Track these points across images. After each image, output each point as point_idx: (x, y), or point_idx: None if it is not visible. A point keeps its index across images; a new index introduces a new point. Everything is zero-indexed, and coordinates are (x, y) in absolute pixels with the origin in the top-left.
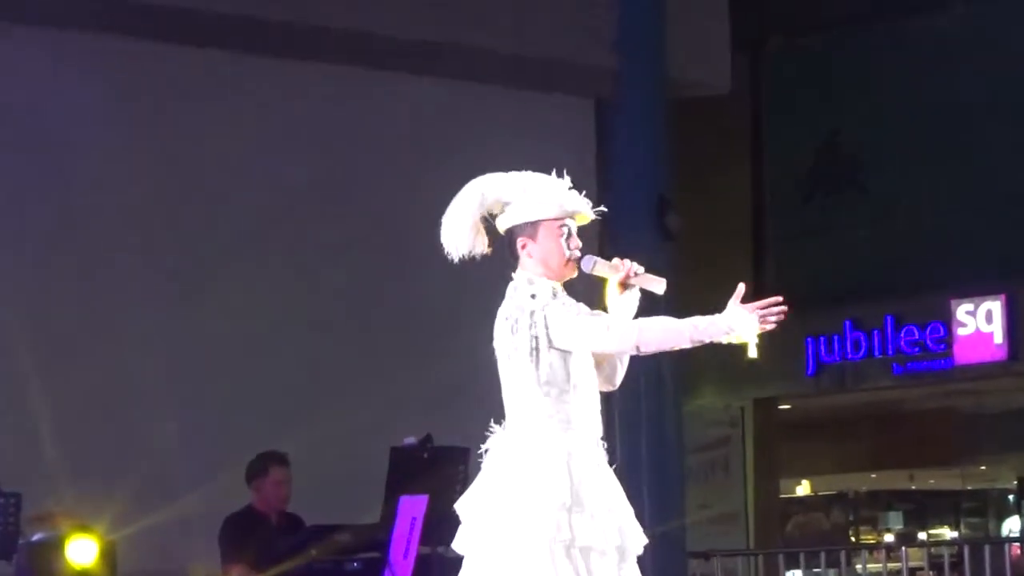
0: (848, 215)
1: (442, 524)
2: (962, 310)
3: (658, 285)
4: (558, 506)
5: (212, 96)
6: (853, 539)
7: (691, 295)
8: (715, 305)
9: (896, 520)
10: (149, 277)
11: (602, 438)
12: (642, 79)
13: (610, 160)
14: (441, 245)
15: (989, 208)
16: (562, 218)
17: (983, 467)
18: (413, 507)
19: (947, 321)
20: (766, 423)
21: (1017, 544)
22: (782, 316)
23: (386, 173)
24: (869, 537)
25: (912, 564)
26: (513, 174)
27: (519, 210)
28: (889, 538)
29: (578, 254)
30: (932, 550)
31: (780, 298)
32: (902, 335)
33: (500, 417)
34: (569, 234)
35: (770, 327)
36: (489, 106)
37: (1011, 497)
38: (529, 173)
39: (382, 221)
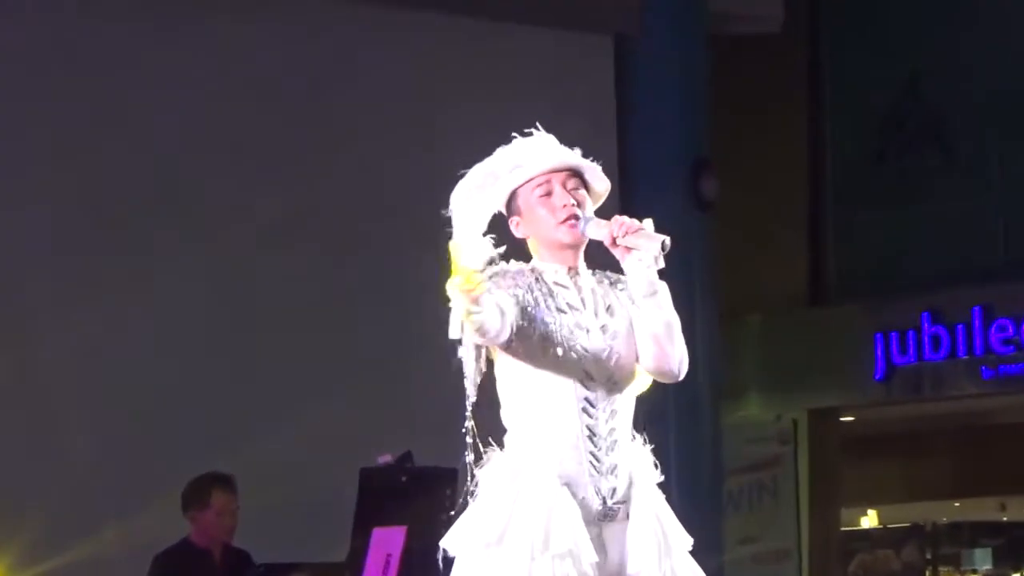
0: (928, 181)
1: (424, 562)
2: None
3: (653, 245)
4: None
5: None
6: None
7: (732, 275)
8: (761, 287)
9: (984, 559)
10: (63, 267)
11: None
12: (674, 10)
13: (633, 111)
14: (430, 225)
15: None
16: (535, 176)
17: None
18: (388, 541)
19: None
20: (824, 439)
21: None
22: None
23: (392, 124)
24: None
25: None
26: (478, 165)
27: (496, 191)
28: None
29: (572, 211)
30: None
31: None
32: (993, 331)
33: (489, 432)
34: (550, 192)
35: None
36: (487, 43)
37: None
38: (512, 144)
39: (374, 189)
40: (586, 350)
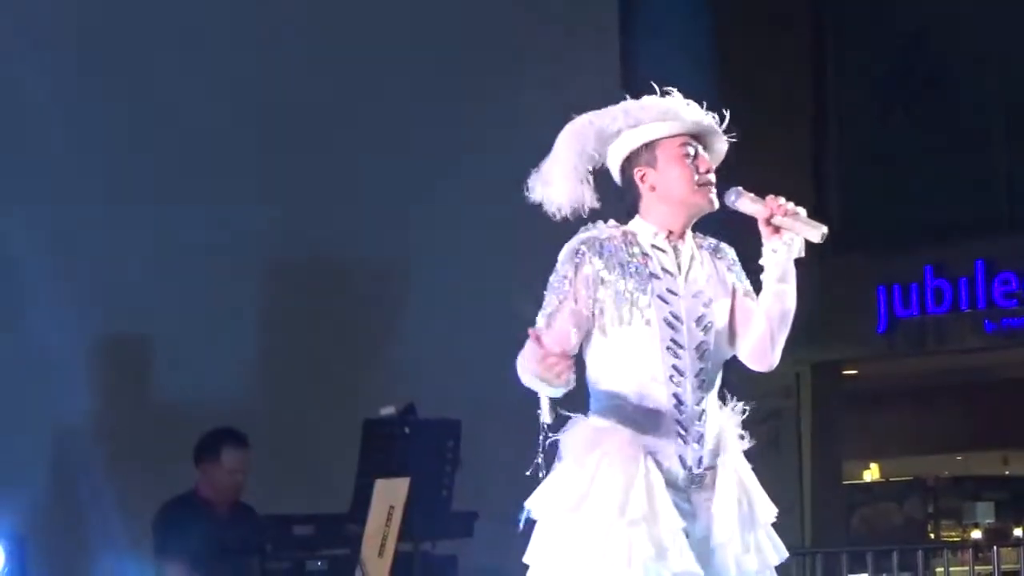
0: (934, 134)
1: (427, 514)
2: None
3: (814, 232)
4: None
5: None
6: (932, 536)
7: (733, 231)
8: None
9: (986, 513)
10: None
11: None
12: None
13: (635, 69)
14: (441, 168)
15: None
16: (683, 134)
17: None
18: (391, 493)
19: None
20: (827, 393)
21: None
22: (563, 371)
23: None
24: (952, 534)
25: (1006, 567)
26: (625, 103)
27: (630, 135)
28: (977, 535)
29: (711, 179)
30: None
31: (568, 357)
32: (996, 284)
33: (494, 384)
34: (696, 155)
35: (555, 379)
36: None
37: None
38: (648, 98)
39: (374, 137)
40: (676, 317)
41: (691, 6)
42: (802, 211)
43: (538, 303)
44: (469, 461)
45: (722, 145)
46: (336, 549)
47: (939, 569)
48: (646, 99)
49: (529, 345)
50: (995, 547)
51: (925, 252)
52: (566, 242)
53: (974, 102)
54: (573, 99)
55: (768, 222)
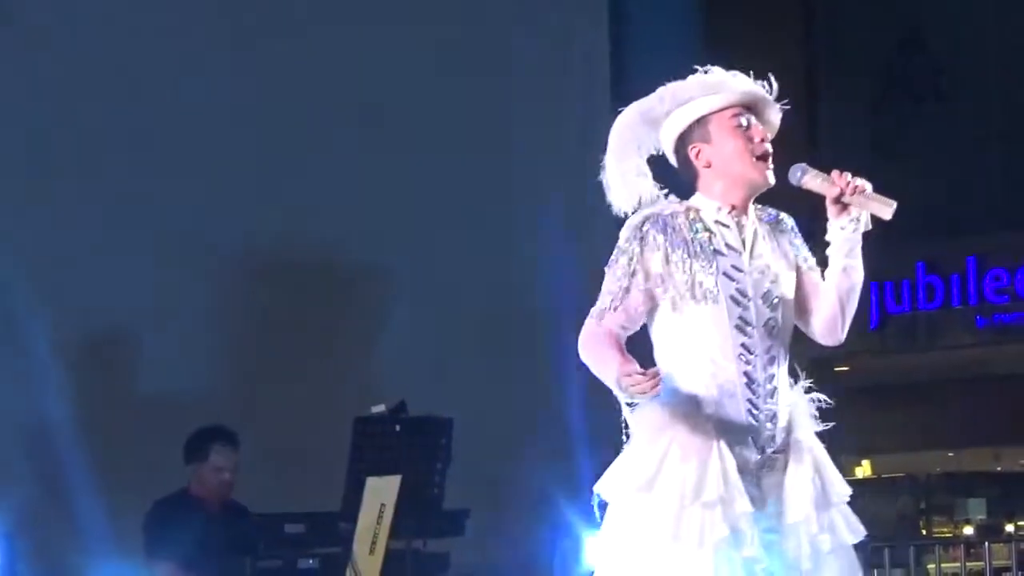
0: (926, 130)
1: (419, 512)
2: None
3: (885, 209)
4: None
5: None
6: (924, 532)
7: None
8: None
9: (978, 509)
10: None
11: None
12: None
13: (627, 63)
14: (427, 149)
15: None
16: (735, 105)
17: None
18: (382, 491)
19: None
20: (820, 388)
21: None
22: (653, 391)
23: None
24: (944, 530)
25: (997, 563)
26: (668, 84)
27: (680, 113)
28: (969, 531)
29: (768, 149)
30: (1022, 546)
31: (658, 372)
32: (987, 280)
33: (486, 382)
34: (749, 124)
35: (641, 398)
36: None
37: None
38: (690, 77)
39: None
40: (743, 294)
41: (682, 15)
42: (869, 185)
43: (522, 304)
44: (460, 459)
45: (775, 115)
46: (328, 547)
47: (931, 565)
48: (691, 78)
49: (605, 346)
50: (987, 543)
51: (917, 248)
52: (551, 241)
53: (968, 99)
54: (562, 106)
55: (837, 200)
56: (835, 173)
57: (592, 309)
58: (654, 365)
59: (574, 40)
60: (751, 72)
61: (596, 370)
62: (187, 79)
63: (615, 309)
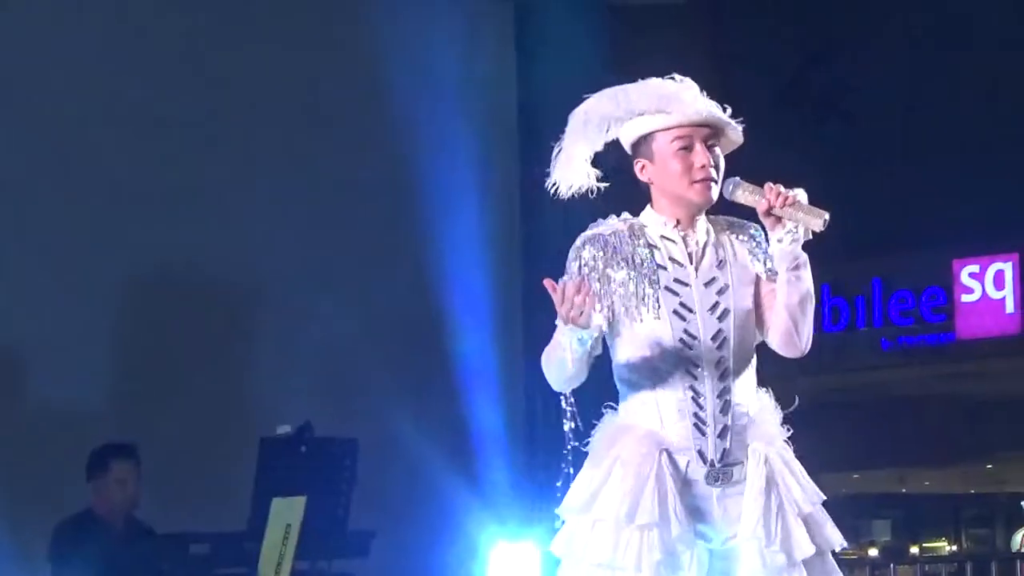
0: (830, 152)
1: (324, 533)
2: (966, 272)
3: (815, 221)
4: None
5: None
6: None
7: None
8: None
9: (883, 531)
10: None
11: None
12: None
13: (534, 78)
14: (331, 175)
15: (1000, 151)
16: (677, 126)
17: (989, 466)
18: (288, 511)
19: (948, 286)
20: None
21: None
22: (584, 298)
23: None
24: (850, 552)
25: None
26: (630, 85)
27: (629, 125)
28: (874, 552)
29: (708, 174)
30: (927, 567)
31: (587, 285)
32: (893, 303)
33: (393, 402)
34: (689, 147)
35: (580, 318)
36: (388, 9)
37: (1023, 504)
38: (651, 81)
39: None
40: (686, 307)
41: (591, 24)
42: (803, 195)
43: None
44: (366, 480)
45: (734, 133)
46: (233, 568)
47: None
48: (650, 84)
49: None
50: (892, 565)
51: (822, 270)
52: (457, 260)
53: (871, 121)
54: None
55: (768, 213)
56: (767, 186)
57: None
58: (615, 385)
59: (480, 52)
60: None
61: (554, 358)
62: (81, 100)
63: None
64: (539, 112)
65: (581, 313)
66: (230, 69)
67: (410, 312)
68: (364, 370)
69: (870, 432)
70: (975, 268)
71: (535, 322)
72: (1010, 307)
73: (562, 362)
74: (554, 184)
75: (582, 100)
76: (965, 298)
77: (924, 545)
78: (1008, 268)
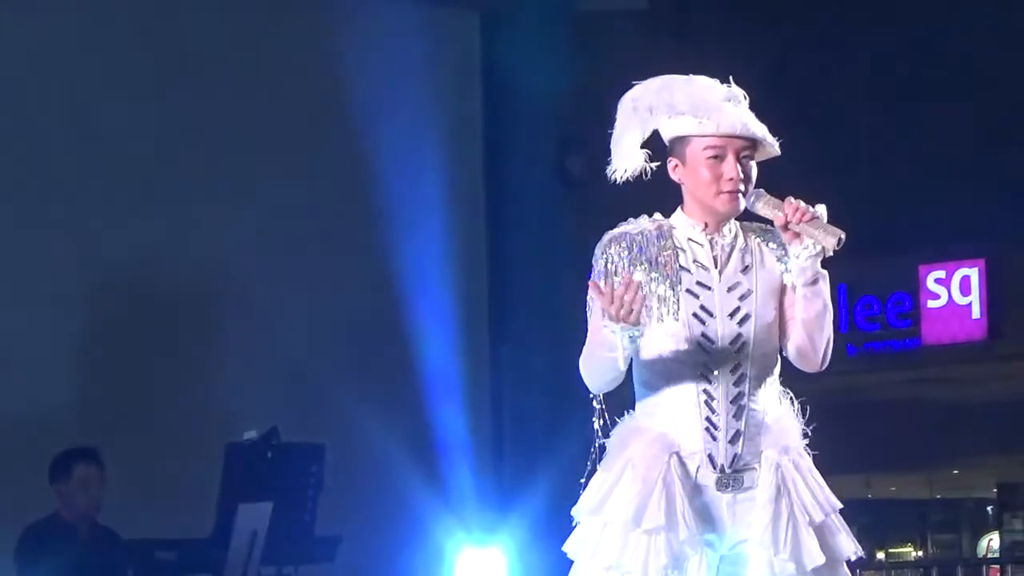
0: (795, 156)
1: (290, 538)
2: (932, 278)
3: (829, 239)
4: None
5: None
6: None
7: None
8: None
9: None
10: None
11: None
12: None
13: (499, 89)
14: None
15: (966, 156)
16: (712, 135)
17: (956, 472)
18: (254, 517)
19: (914, 291)
20: None
21: (996, 567)
22: (632, 300)
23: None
24: None
25: None
26: (678, 79)
27: (667, 123)
28: None
29: (735, 187)
30: (893, 573)
31: (636, 283)
32: (859, 309)
33: (359, 407)
34: (721, 156)
35: (629, 316)
36: (356, 20)
37: (990, 509)
38: (699, 80)
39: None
40: (707, 311)
41: (556, 31)
42: (822, 213)
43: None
44: (332, 485)
45: (771, 147)
46: (199, 574)
47: None
48: (697, 82)
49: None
50: (858, 570)
51: None
52: (422, 267)
53: (838, 125)
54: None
55: (785, 228)
56: (788, 200)
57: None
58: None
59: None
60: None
61: (599, 360)
62: (39, 107)
63: (593, 325)
64: (505, 120)
65: (631, 311)
66: (192, 76)
67: (376, 318)
68: (331, 376)
69: (836, 438)
70: (941, 274)
71: (501, 328)
72: (976, 313)
73: (611, 362)
74: (613, 170)
75: (548, 109)
76: (931, 304)
77: (890, 551)
78: (974, 274)
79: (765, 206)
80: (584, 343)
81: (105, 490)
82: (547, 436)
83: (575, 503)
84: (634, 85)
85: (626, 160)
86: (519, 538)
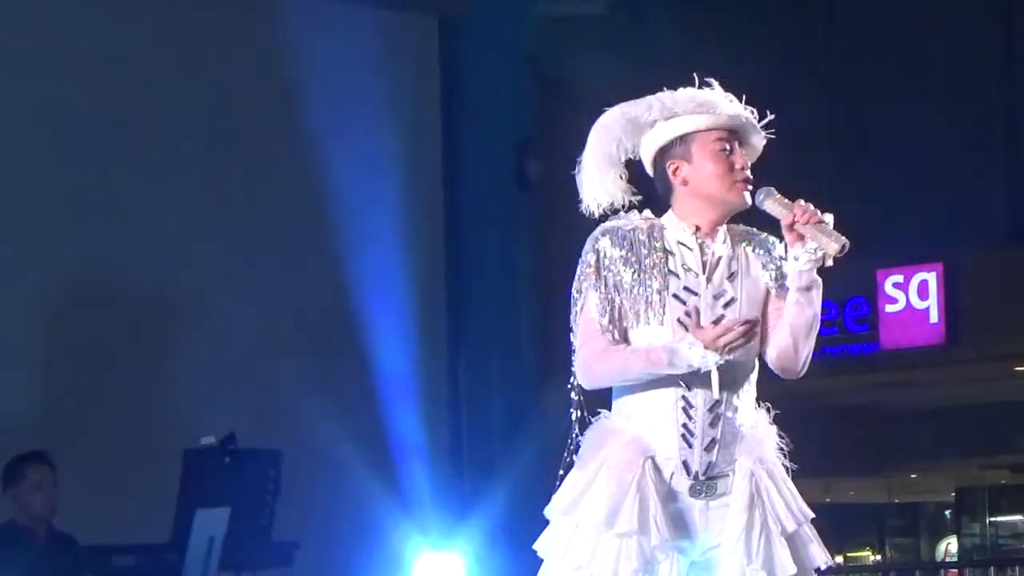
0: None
1: (248, 544)
2: (890, 283)
3: (832, 245)
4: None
5: None
6: None
7: (554, 257)
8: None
9: None
10: None
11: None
12: None
13: (458, 92)
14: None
15: (923, 158)
16: (720, 128)
17: (914, 476)
18: (212, 523)
19: (871, 296)
20: None
21: (955, 571)
22: (745, 340)
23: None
24: None
25: None
26: (662, 93)
27: (664, 127)
28: None
29: (748, 176)
30: None
31: (748, 321)
32: None
33: (317, 413)
34: (731, 150)
35: (732, 355)
36: (312, 23)
37: (948, 513)
38: (684, 89)
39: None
40: (688, 316)
41: (514, 35)
42: (829, 219)
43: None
44: (290, 490)
45: (759, 141)
46: None
47: None
48: (682, 90)
49: (619, 350)
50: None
51: None
52: (379, 274)
53: (802, 124)
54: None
55: (791, 228)
56: (798, 202)
57: (576, 342)
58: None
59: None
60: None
61: (636, 370)
62: (1, 117)
63: (580, 321)
64: (463, 124)
65: (733, 349)
66: (148, 82)
67: (333, 324)
68: (288, 381)
69: (794, 442)
70: (899, 278)
71: (459, 333)
72: (934, 317)
73: (648, 376)
74: (586, 206)
75: (506, 113)
76: (889, 308)
77: (848, 555)
78: (932, 278)
79: (775, 204)
80: (554, 345)
81: (58, 492)
82: (505, 441)
83: (533, 508)
84: (604, 111)
85: (605, 189)
86: (477, 542)
